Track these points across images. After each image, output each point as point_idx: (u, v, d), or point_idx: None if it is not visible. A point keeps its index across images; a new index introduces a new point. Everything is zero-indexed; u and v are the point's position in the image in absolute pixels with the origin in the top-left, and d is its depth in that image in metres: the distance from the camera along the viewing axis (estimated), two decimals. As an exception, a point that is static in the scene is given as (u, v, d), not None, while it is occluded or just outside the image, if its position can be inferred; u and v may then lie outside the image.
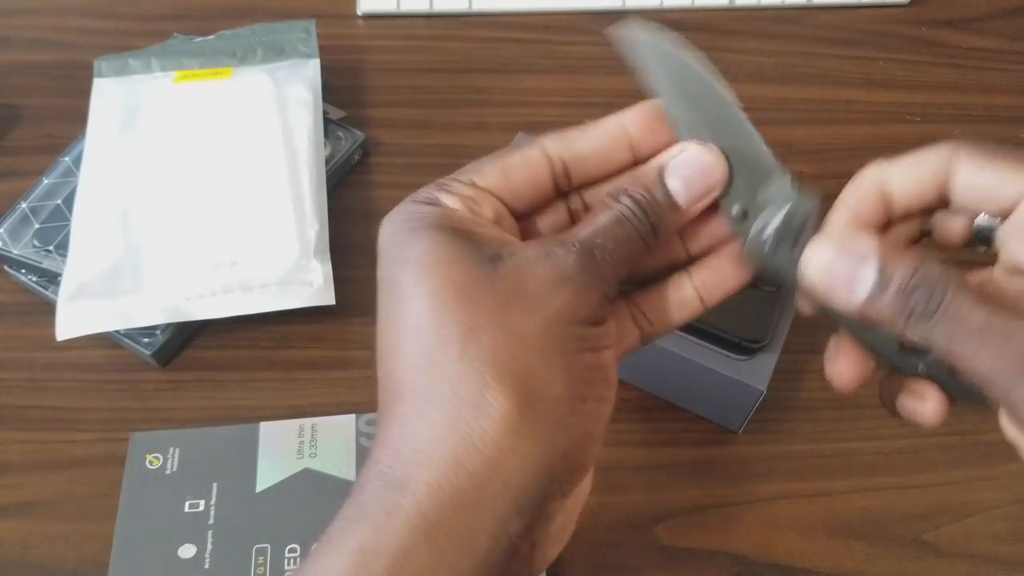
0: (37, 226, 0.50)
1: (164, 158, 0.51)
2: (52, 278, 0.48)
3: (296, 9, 0.64)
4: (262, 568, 0.40)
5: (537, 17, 0.65)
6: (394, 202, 0.58)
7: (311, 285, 0.47)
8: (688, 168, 0.29)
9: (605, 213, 0.29)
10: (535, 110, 0.60)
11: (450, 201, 0.28)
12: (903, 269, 0.27)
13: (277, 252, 0.48)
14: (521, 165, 0.29)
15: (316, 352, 0.48)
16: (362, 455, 0.43)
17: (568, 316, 0.27)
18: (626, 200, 0.29)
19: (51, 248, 0.49)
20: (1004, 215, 0.29)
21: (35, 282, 0.49)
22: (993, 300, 0.27)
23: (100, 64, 0.55)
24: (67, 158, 0.53)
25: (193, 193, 0.49)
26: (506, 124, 0.58)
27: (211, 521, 0.41)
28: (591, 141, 0.30)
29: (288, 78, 0.55)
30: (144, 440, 0.43)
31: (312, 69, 0.56)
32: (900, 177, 0.30)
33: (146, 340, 0.46)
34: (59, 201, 0.51)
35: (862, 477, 0.45)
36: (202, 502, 0.41)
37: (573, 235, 0.28)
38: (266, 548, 0.40)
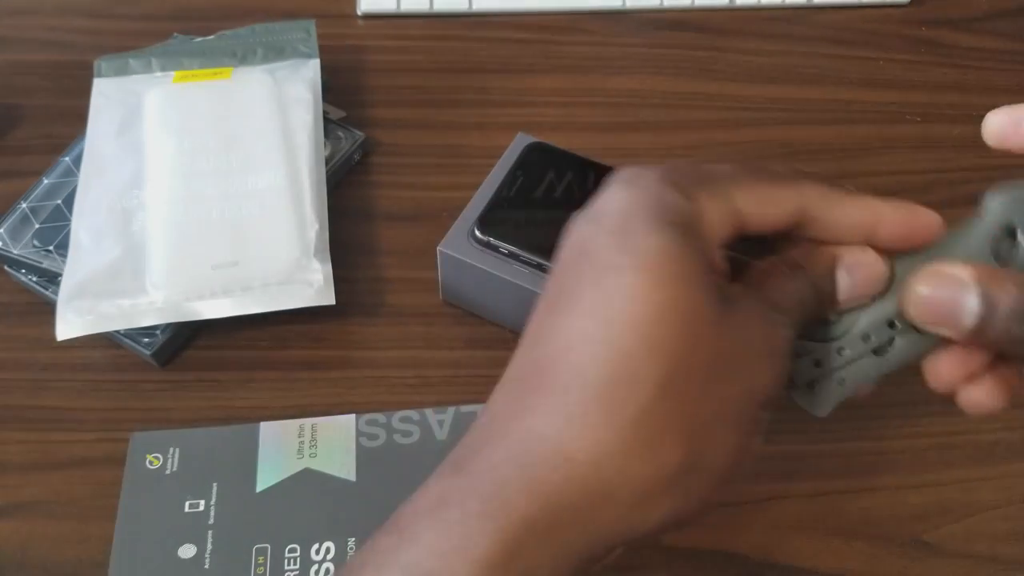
0: (37, 226, 0.50)
1: (164, 158, 0.51)
2: (52, 278, 0.48)
3: (296, 9, 0.64)
4: (262, 568, 0.40)
5: (537, 17, 0.65)
6: (394, 202, 0.58)
7: (311, 285, 0.47)
8: (862, 271, 0.29)
9: (790, 284, 0.28)
10: (535, 110, 0.60)
11: (707, 206, 0.26)
12: (1009, 294, 0.27)
13: (277, 252, 0.48)
14: (779, 202, 0.28)
15: (316, 352, 0.48)
16: (362, 455, 0.43)
17: (762, 393, 0.26)
18: (805, 279, 0.28)
19: (51, 248, 0.49)
20: None
21: (35, 282, 0.49)
22: None
23: (100, 64, 0.55)
24: (67, 158, 0.53)
25: (193, 193, 0.49)
26: (506, 124, 0.58)
27: (211, 521, 0.41)
28: (848, 217, 0.29)
29: (288, 78, 0.55)
30: (144, 440, 0.43)
31: (312, 69, 0.56)
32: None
33: (146, 340, 0.46)
34: (59, 201, 0.51)
35: (862, 477, 0.45)
36: (202, 502, 0.41)
37: (777, 303, 0.27)
38: (266, 548, 0.40)
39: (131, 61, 0.55)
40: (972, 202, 0.57)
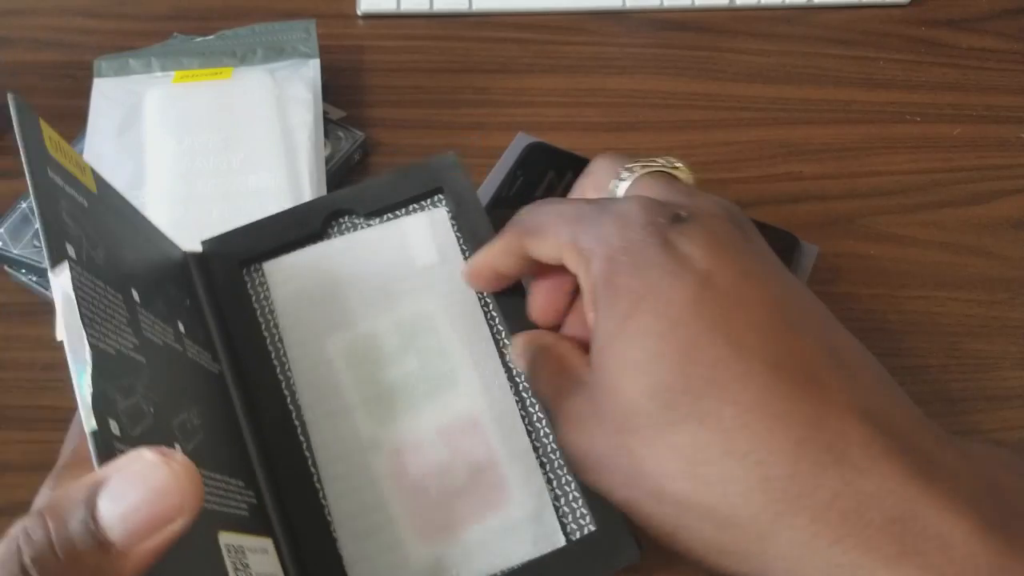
0: (37, 226, 0.50)
1: (164, 158, 0.51)
2: (52, 278, 0.48)
3: (296, 9, 0.64)
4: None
5: (537, 17, 0.65)
6: (394, 202, 0.53)
7: (311, 285, 0.47)
8: (131, 487, 0.20)
9: None
10: (535, 110, 0.60)
11: None
12: (519, 339, 0.34)
13: (277, 252, 0.48)
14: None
15: (316, 352, 0.48)
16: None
17: None
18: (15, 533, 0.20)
19: (51, 248, 0.49)
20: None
21: (35, 282, 0.49)
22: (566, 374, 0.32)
23: (100, 64, 0.55)
24: (67, 158, 0.53)
25: (193, 193, 0.49)
26: (506, 124, 0.58)
27: (211, 521, 0.41)
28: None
29: (288, 78, 0.55)
30: (144, 440, 0.43)
31: (312, 69, 0.56)
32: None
33: (146, 340, 0.46)
34: (59, 201, 0.51)
35: (862, 477, 0.45)
36: (202, 502, 0.41)
37: None
38: (266, 548, 0.40)
39: (131, 61, 0.55)
40: (972, 202, 0.58)
